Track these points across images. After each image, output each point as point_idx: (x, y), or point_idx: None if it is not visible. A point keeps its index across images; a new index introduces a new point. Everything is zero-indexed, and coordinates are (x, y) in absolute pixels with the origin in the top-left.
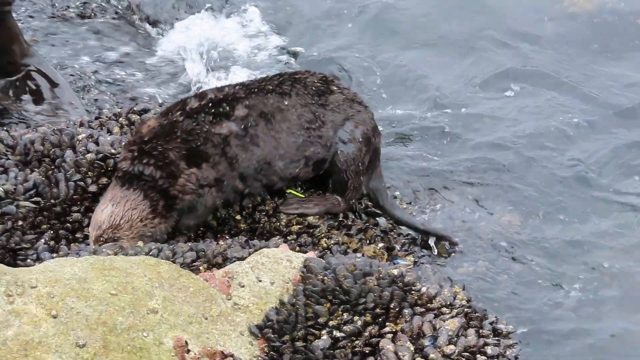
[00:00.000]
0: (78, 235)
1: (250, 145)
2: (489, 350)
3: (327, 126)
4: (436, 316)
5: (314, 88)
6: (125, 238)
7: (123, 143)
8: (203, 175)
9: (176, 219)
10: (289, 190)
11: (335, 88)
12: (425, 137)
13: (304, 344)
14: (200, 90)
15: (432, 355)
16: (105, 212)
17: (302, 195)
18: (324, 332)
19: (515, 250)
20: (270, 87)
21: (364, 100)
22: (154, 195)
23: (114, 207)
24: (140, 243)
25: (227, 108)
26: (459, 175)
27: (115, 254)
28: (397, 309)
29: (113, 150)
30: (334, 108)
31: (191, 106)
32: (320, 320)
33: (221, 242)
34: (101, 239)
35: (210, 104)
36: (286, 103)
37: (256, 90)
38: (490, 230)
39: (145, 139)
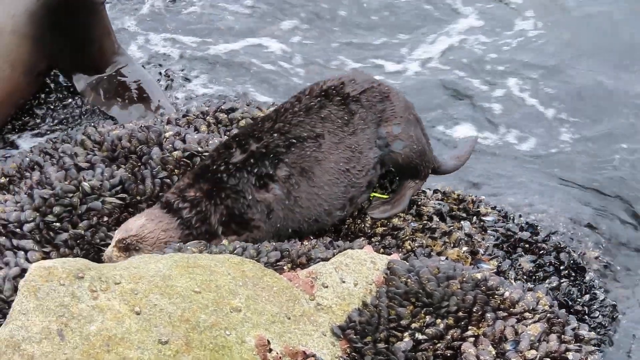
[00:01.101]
0: None
1: (295, 207)
2: (570, 356)
3: (364, 152)
4: (518, 321)
5: (339, 120)
6: (144, 249)
7: (209, 142)
8: (241, 240)
9: None
10: (372, 195)
11: (354, 105)
12: None
13: (386, 345)
14: (241, 136)
15: None
16: (137, 222)
17: (386, 196)
18: (406, 334)
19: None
20: (305, 134)
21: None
22: (187, 232)
23: (147, 222)
24: (225, 241)
25: (270, 168)
26: None
27: (200, 251)
28: (479, 313)
29: (200, 148)
30: (362, 127)
31: (234, 160)
32: (403, 322)
33: (305, 243)
34: (123, 242)
35: (252, 160)
36: (323, 151)
37: (294, 140)
38: None
39: (191, 194)
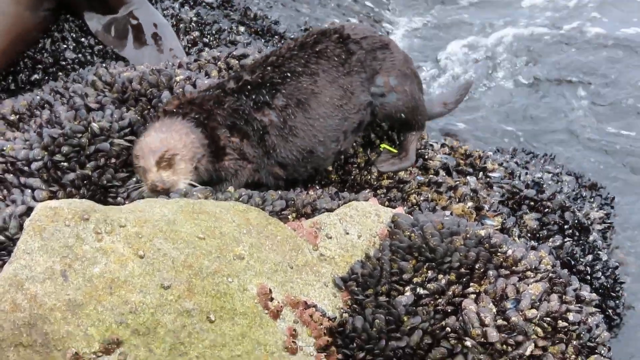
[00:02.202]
0: None
1: (290, 137)
2: (571, 316)
3: (356, 94)
4: (520, 279)
5: (335, 58)
6: (184, 160)
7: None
8: (244, 148)
9: (213, 178)
10: (382, 146)
11: (353, 46)
12: None
13: (387, 299)
14: (233, 74)
15: (513, 318)
16: (153, 138)
17: (395, 150)
18: (407, 288)
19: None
20: (300, 69)
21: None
22: (202, 128)
23: (161, 133)
24: (230, 188)
25: (267, 96)
26: None
27: (206, 197)
28: (481, 270)
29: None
30: (358, 70)
31: (230, 87)
32: (405, 276)
33: (311, 192)
34: (162, 162)
35: (249, 87)
36: (318, 85)
37: (289, 73)
38: None
39: (191, 98)
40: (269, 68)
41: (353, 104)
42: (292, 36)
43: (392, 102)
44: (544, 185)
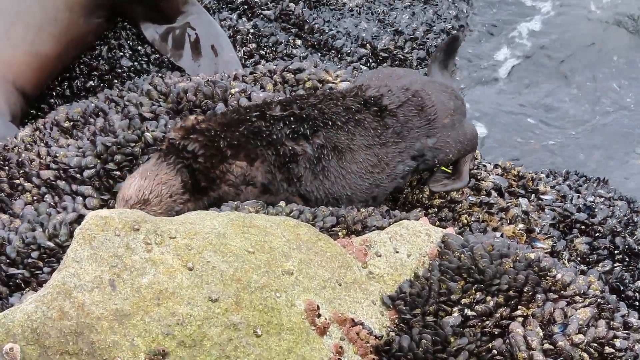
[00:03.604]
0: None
1: (321, 176)
2: (618, 343)
3: (391, 165)
4: (568, 304)
5: (372, 130)
6: (153, 214)
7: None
8: (252, 173)
9: (206, 206)
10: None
11: (390, 120)
12: None
13: (435, 319)
14: (284, 100)
15: (560, 343)
16: (133, 186)
17: (449, 170)
18: (455, 309)
19: None
20: (340, 124)
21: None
22: (186, 173)
23: (143, 181)
24: (282, 203)
25: (308, 131)
26: None
27: (257, 211)
28: (530, 293)
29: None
30: (395, 141)
31: (272, 112)
32: (453, 297)
33: (362, 210)
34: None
35: (292, 118)
36: (355, 143)
37: (330, 122)
38: None
39: (203, 125)
40: (316, 111)
41: (387, 174)
42: (349, 51)
43: (431, 159)
44: (596, 210)
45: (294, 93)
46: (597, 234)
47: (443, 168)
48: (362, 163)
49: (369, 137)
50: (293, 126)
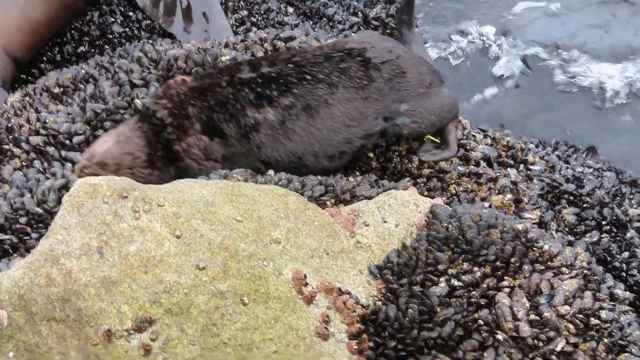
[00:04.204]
0: None
1: (282, 138)
2: (604, 314)
3: (368, 120)
4: (555, 275)
5: (357, 80)
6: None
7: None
8: (212, 148)
9: (172, 176)
10: (426, 137)
11: (374, 73)
12: None
13: (421, 289)
14: (255, 58)
15: (546, 314)
16: (103, 146)
17: (438, 140)
18: (442, 279)
19: None
20: (322, 76)
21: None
22: (156, 144)
23: (113, 145)
24: (270, 171)
25: (275, 92)
26: None
27: (246, 180)
28: (517, 264)
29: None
30: (376, 97)
31: (241, 75)
32: (440, 267)
33: (351, 179)
34: (85, 171)
35: (259, 80)
36: (334, 98)
37: (308, 76)
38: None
39: (173, 90)
40: (290, 65)
41: (362, 129)
42: (340, 19)
43: (402, 124)
44: (584, 180)
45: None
46: (585, 205)
47: (432, 138)
48: (340, 117)
49: (352, 88)
50: (259, 89)
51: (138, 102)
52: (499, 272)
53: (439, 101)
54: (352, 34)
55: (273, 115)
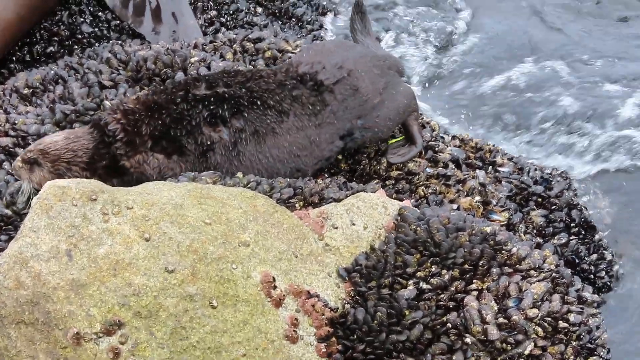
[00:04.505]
0: None
1: (235, 161)
2: (572, 317)
3: (321, 147)
4: (523, 278)
5: (310, 106)
6: (45, 168)
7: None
8: (169, 166)
9: (112, 184)
10: (390, 142)
11: (328, 96)
12: None
13: (390, 292)
14: (212, 77)
15: (514, 317)
16: (53, 138)
17: (401, 138)
18: (410, 282)
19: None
20: (272, 103)
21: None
22: (102, 154)
23: (62, 139)
24: (239, 174)
25: (227, 113)
26: None
27: (215, 182)
28: (485, 267)
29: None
30: (329, 122)
31: (195, 92)
32: (409, 270)
33: (319, 181)
34: (27, 154)
35: (213, 98)
36: (282, 127)
37: (258, 101)
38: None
39: (129, 105)
40: (243, 90)
41: (314, 157)
42: (309, 19)
43: (364, 136)
44: (552, 182)
45: (248, 67)
46: (554, 207)
47: (395, 140)
48: (288, 147)
49: (305, 115)
50: (212, 108)
51: (107, 103)
52: (468, 275)
53: (394, 105)
54: (324, 36)
55: (227, 136)
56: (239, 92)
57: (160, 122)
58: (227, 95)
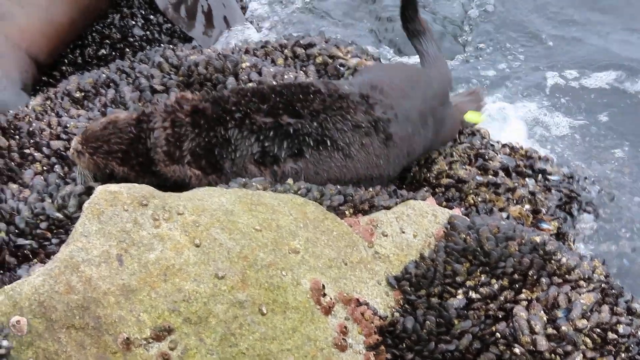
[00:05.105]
0: None
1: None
2: (621, 328)
3: (383, 181)
4: (573, 288)
5: (375, 157)
6: (87, 157)
7: (284, 76)
8: (204, 180)
9: (150, 180)
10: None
11: (393, 152)
12: None
13: (439, 300)
14: (286, 98)
15: (563, 328)
16: (95, 125)
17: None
18: (460, 291)
19: None
20: (342, 145)
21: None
22: (138, 149)
23: (101, 131)
24: (289, 180)
25: (283, 153)
26: None
27: (265, 189)
28: (534, 277)
29: (274, 82)
30: (393, 162)
31: (255, 117)
32: (458, 279)
33: (370, 189)
34: (73, 143)
35: (271, 133)
36: (345, 172)
37: (328, 140)
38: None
39: (177, 115)
40: (314, 123)
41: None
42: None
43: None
44: (602, 192)
45: (301, 81)
46: (604, 215)
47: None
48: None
49: (370, 164)
50: (266, 145)
51: (162, 102)
52: (517, 285)
53: (443, 134)
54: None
55: (274, 176)
56: (307, 126)
57: (205, 142)
58: (291, 131)
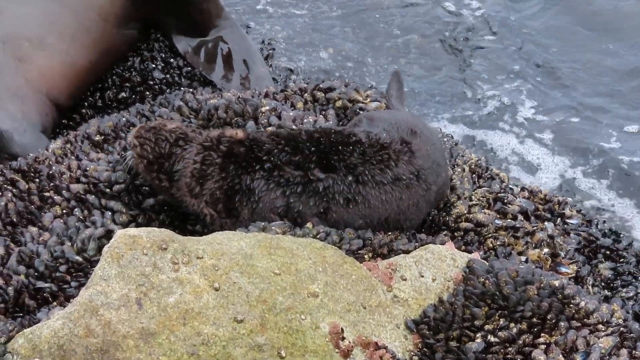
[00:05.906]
0: None
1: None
2: None
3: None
4: (591, 332)
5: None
6: (140, 148)
7: (304, 120)
8: (219, 222)
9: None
10: None
11: (419, 188)
12: None
13: (458, 344)
14: (329, 144)
15: None
16: (155, 123)
17: None
18: (478, 335)
19: None
20: (376, 203)
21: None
22: (165, 170)
23: (153, 134)
24: (309, 224)
25: (309, 211)
26: None
27: (284, 233)
28: (553, 321)
29: (294, 126)
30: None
31: (285, 169)
32: (477, 322)
33: (389, 233)
34: (131, 136)
35: (299, 189)
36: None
37: (368, 187)
38: None
39: (216, 159)
40: (349, 177)
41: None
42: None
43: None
44: (621, 235)
45: (343, 128)
46: (622, 260)
47: None
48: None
49: (395, 214)
50: (292, 201)
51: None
52: (535, 329)
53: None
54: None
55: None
56: (339, 182)
57: (227, 187)
58: (320, 189)
